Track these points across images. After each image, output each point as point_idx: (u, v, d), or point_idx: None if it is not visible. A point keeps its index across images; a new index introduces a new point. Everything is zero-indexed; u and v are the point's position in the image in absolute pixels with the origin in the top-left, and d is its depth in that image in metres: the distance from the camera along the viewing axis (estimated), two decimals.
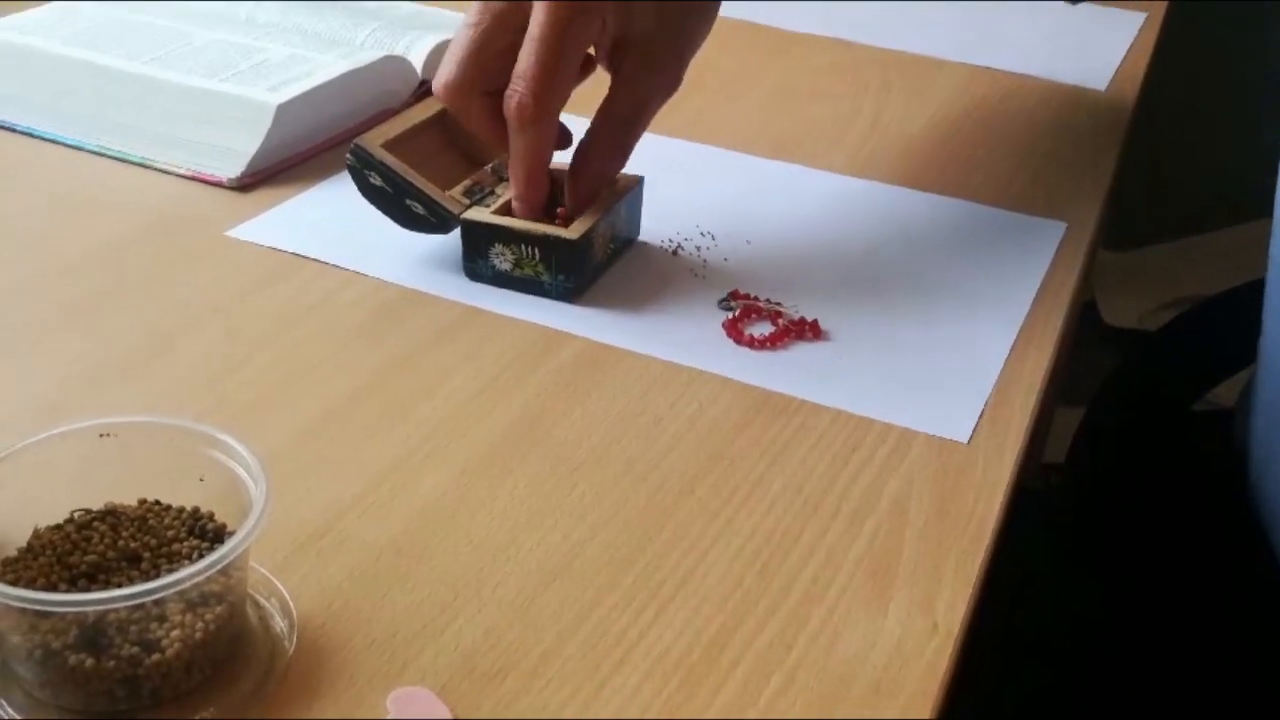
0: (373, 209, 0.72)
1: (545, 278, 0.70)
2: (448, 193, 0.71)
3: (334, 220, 0.77)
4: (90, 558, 0.46)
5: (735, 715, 0.47)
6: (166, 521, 0.48)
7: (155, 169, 0.83)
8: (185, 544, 0.48)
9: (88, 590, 0.45)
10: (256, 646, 0.48)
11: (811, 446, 0.61)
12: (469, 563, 0.52)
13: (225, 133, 0.81)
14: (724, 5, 0.75)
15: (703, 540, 0.55)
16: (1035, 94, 1.04)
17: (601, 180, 0.73)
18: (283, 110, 0.81)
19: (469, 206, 0.71)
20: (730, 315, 0.70)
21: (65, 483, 0.48)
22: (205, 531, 0.48)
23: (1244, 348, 0.78)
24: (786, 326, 0.69)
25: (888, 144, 0.93)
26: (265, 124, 0.81)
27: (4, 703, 0.44)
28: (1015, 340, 0.69)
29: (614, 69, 0.72)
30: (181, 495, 0.49)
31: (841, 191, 0.86)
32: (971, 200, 0.85)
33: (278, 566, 0.51)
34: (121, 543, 0.47)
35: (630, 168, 0.74)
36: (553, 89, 0.67)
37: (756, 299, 0.71)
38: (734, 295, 0.72)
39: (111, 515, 0.48)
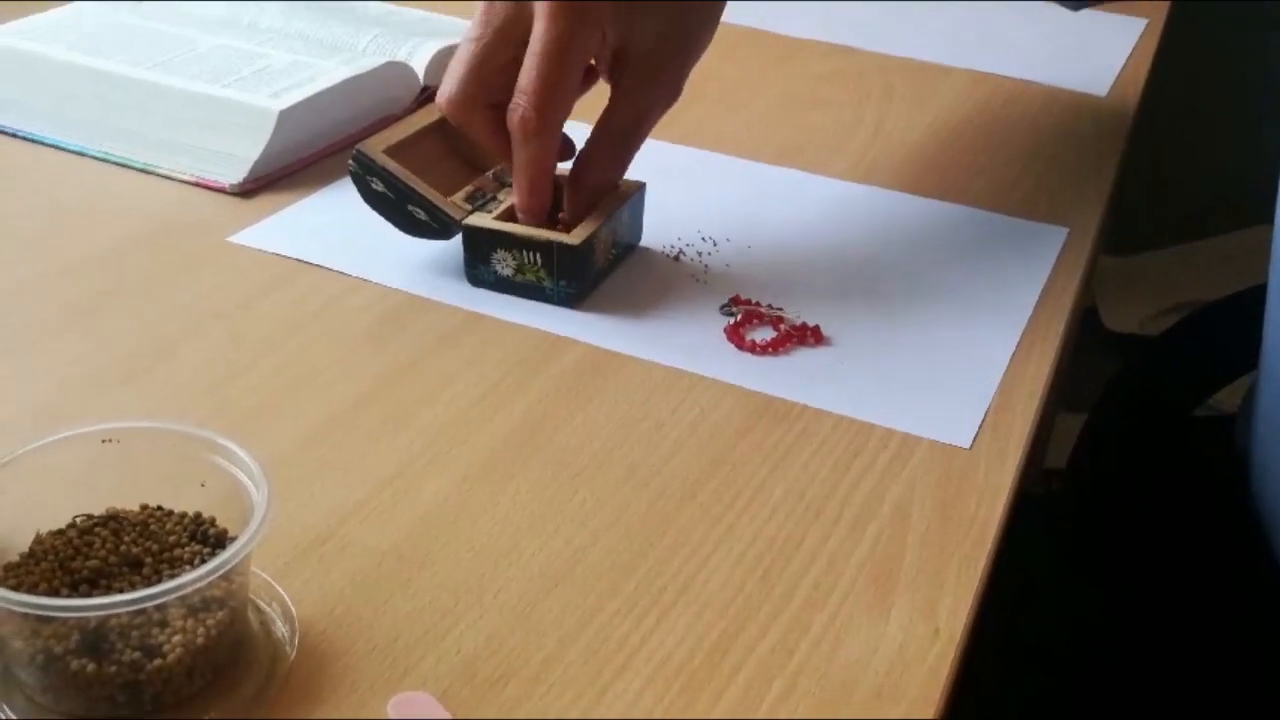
0: (375, 215, 0.72)
1: (547, 283, 0.70)
2: (450, 198, 0.72)
3: (336, 226, 0.77)
4: (92, 563, 0.46)
5: None
6: (168, 527, 0.48)
7: (158, 175, 0.83)
8: (187, 549, 0.48)
9: (89, 595, 0.45)
10: (258, 652, 0.48)
11: (813, 452, 0.61)
12: (471, 568, 0.52)
13: (227, 139, 0.82)
14: (725, 11, 0.75)
15: (704, 546, 0.55)
16: (1037, 100, 1.04)
17: (601, 190, 0.73)
18: (285, 116, 0.81)
19: (471, 212, 0.72)
20: (732, 320, 0.70)
21: (67, 488, 0.49)
22: (207, 537, 0.48)
23: (1245, 353, 0.78)
24: (788, 332, 0.69)
25: (890, 150, 0.93)
26: (267, 130, 0.81)
27: (6, 707, 0.45)
28: (1017, 345, 0.69)
29: (614, 80, 0.72)
30: (183, 501, 0.49)
31: (843, 197, 0.86)
32: (973, 206, 0.85)
33: (279, 572, 0.51)
34: (123, 548, 0.47)
35: (632, 173, 0.74)
36: (555, 103, 0.67)
37: (758, 304, 0.71)
38: (736, 301, 0.72)
39: (113, 520, 0.48)
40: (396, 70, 0.91)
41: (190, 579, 0.43)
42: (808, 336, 0.69)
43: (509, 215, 0.72)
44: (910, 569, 0.54)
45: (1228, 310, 0.90)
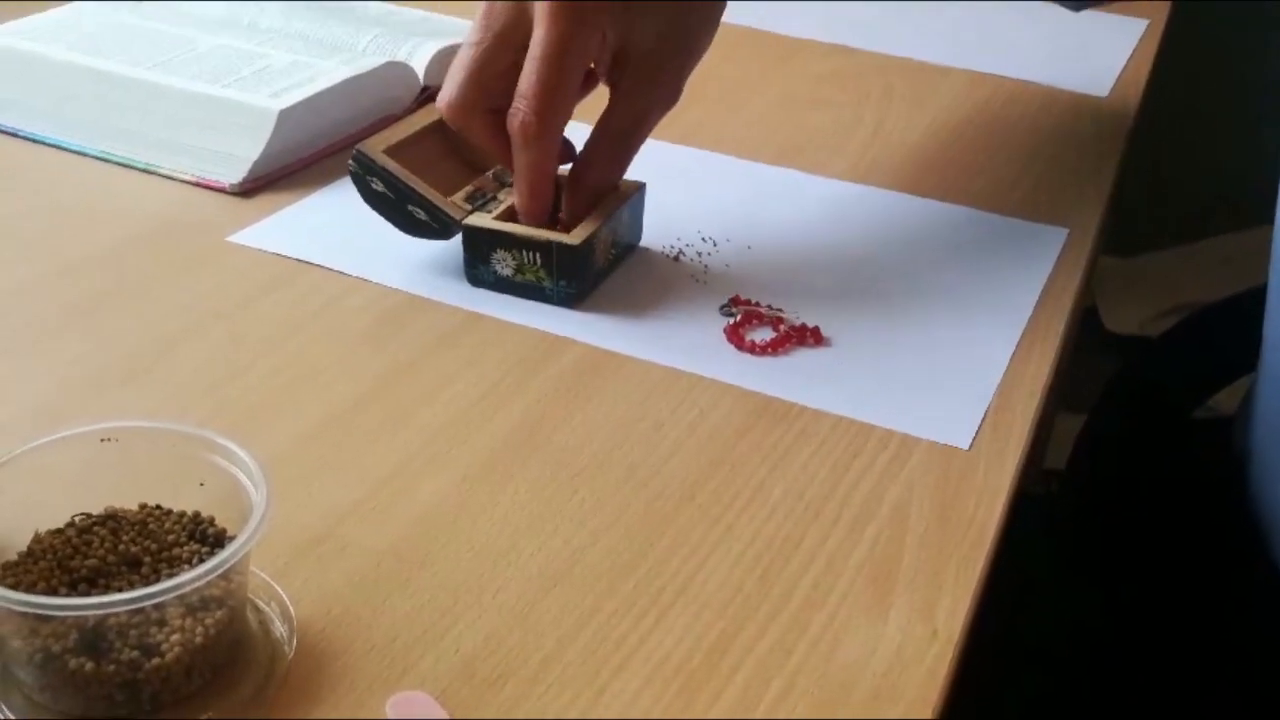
0: (375, 215, 0.72)
1: (547, 283, 0.70)
2: (450, 198, 0.72)
3: (336, 226, 0.77)
4: (91, 562, 0.46)
5: None
6: (167, 526, 0.48)
7: (158, 174, 0.83)
8: (185, 549, 0.48)
9: (88, 594, 0.45)
10: (256, 651, 0.48)
11: (812, 452, 0.61)
12: (469, 568, 0.52)
13: (227, 138, 0.82)
14: (725, 11, 0.75)
15: (703, 546, 0.55)
16: (1037, 100, 1.04)
17: (599, 192, 0.73)
18: (285, 116, 0.81)
19: (471, 212, 0.72)
20: (731, 321, 0.70)
21: (66, 487, 0.49)
22: (206, 536, 0.48)
23: (1245, 355, 0.78)
24: (788, 332, 0.69)
25: (889, 150, 0.93)
26: (267, 130, 0.81)
27: (4, 706, 0.45)
28: (1017, 346, 0.70)
29: (613, 83, 0.72)
30: (182, 500, 0.49)
31: (843, 197, 0.86)
32: (973, 206, 0.85)
33: (278, 571, 0.51)
34: (122, 547, 0.47)
35: (632, 174, 0.74)
36: (555, 107, 0.67)
37: (758, 305, 0.71)
38: (735, 301, 0.72)
39: (112, 520, 0.48)
40: (396, 70, 0.91)
41: (189, 578, 0.43)
42: (807, 337, 0.69)
43: (509, 215, 0.72)
44: (909, 569, 0.54)
45: (1227, 312, 0.90)
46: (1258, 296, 0.73)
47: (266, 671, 0.47)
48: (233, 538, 0.46)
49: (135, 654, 0.43)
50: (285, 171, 0.83)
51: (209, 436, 0.48)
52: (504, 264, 0.71)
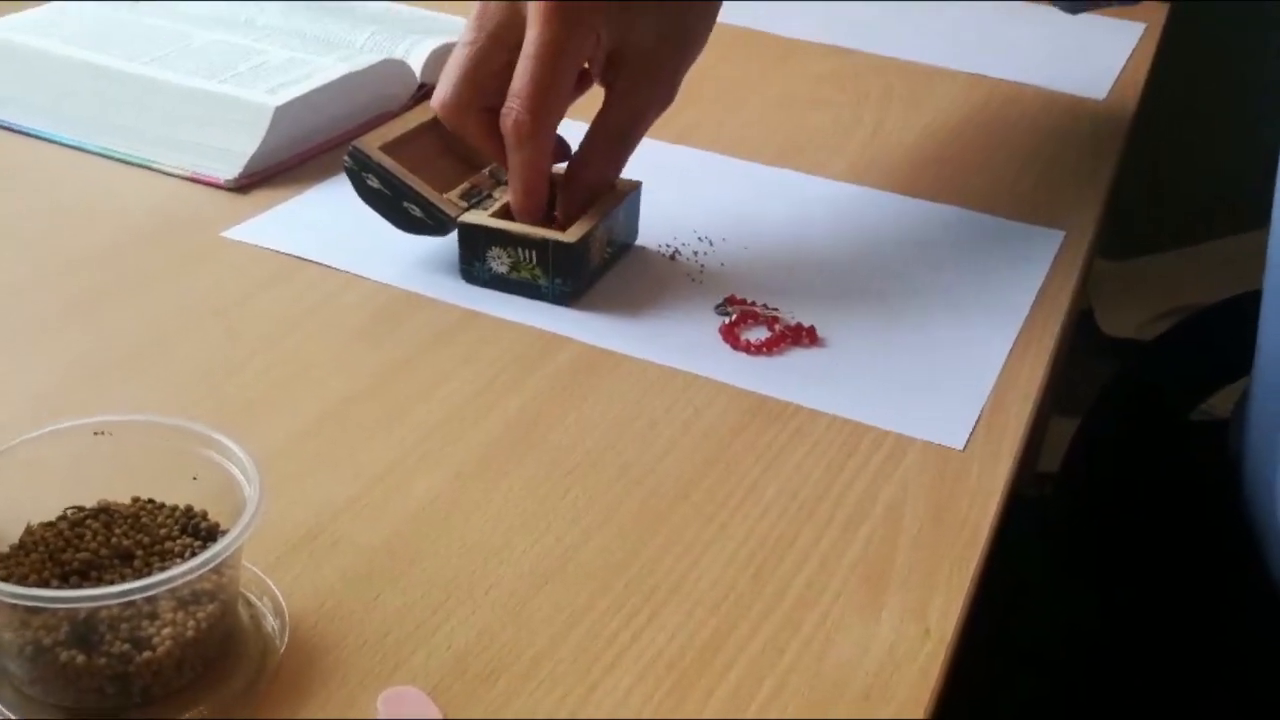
0: (370, 211, 0.72)
1: (542, 281, 0.70)
2: (445, 196, 0.72)
3: (331, 222, 0.77)
4: (83, 555, 0.46)
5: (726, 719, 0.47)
6: (160, 520, 0.48)
7: (154, 170, 0.83)
8: (178, 542, 0.48)
9: (80, 587, 0.45)
10: (248, 645, 0.47)
11: (807, 452, 0.61)
12: (462, 565, 0.52)
13: (224, 134, 0.81)
14: (724, 12, 0.75)
15: (697, 545, 0.55)
16: (1034, 102, 1.04)
17: (595, 192, 0.73)
18: (281, 112, 0.81)
19: (466, 209, 0.72)
20: (727, 320, 0.70)
21: (59, 480, 0.49)
22: (198, 530, 0.48)
23: (1240, 358, 0.78)
24: (783, 332, 0.69)
25: (887, 151, 0.93)
26: (263, 126, 0.81)
27: None
28: (1012, 347, 0.70)
29: (608, 83, 0.72)
30: (175, 494, 0.49)
31: (840, 198, 0.86)
32: (970, 207, 0.85)
33: (270, 566, 0.51)
34: (114, 540, 0.47)
35: (628, 173, 0.74)
36: (548, 106, 0.67)
37: (753, 304, 0.71)
38: (731, 300, 0.72)
39: (105, 513, 0.48)
40: (393, 67, 0.91)
41: (180, 572, 0.43)
42: (802, 337, 0.69)
43: (505, 213, 0.72)
44: (902, 569, 0.54)
45: (1223, 315, 0.90)
46: (1253, 300, 0.74)
47: (258, 666, 0.47)
48: (225, 532, 0.46)
49: (126, 647, 0.43)
50: (281, 167, 0.83)
51: (202, 431, 0.48)
52: (499, 261, 0.71)
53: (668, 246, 0.77)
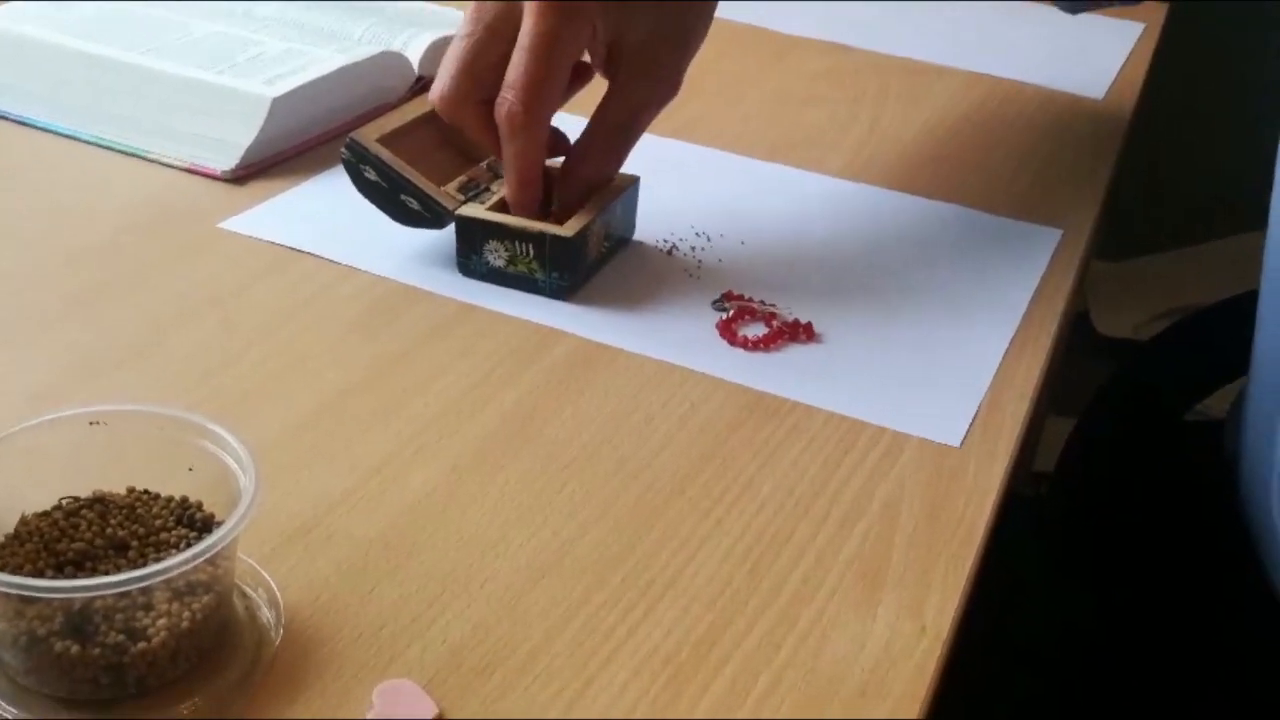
0: (367, 203, 0.72)
1: (539, 275, 0.70)
2: (443, 188, 0.71)
3: (328, 214, 0.77)
4: (78, 545, 0.46)
5: (722, 715, 0.46)
6: (155, 510, 0.48)
7: (150, 160, 0.82)
8: (173, 533, 0.47)
9: (75, 578, 0.45)
10: (243, 637, 0.47)
11: (803, 448, 0.61)
12: (458, 558, 0.52)
13: (221, 125, 0.81)
14: (723, 8, 0.75)
15: (693, 540, 0.54)
16: (1033, 101, 1.04)
17: (592, 186, 0.73)
18: (278, 103, 0.81)
19: (464, 202, 0.71)
20: (724, 316, 0.70)
21: (54, 470, 0.48)
22: (194, 521, 0.48)
23: (1236, 359, 0.78)
24: (780, 328, 0.69)
25: (885, 149, 0.93)
26: (260, 117, 0.80)
27: None
28: (1009, 345, 0.69)
29: (610, 75, 0.72)
30: (171, 485, 0.49)
31: (837, 195, 0.86)
32: (967, 205, 0.85)
33: (266, 558, 0.51)
34: (109, 531, 0.47)
35: (626, 167, 0.74)
36: (541, 97, 0.67)
37: (750, 300, 0.71)
38: (728, 296, 0.72)
39: (100, 503, 0.48)
40: (391, 60, 0.90)
41: (175, 562, 0.42)
42: (799, 333, 0.69)
43: (502, 206, 0.71)
44: (898, 566, 0.54)
45: (1219, 316, 0.91)
46: (1250, 300, 0.74)
47: (253, 657, 0.47)
48: (221, 523, 0.45)
49: (121, 638, 0.43)
50: (278, 159, 0.83)
51: (198, 421, 0.48)
52: (496, 255, 0.70)
53: (665, 242, 0.77)
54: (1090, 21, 1.20)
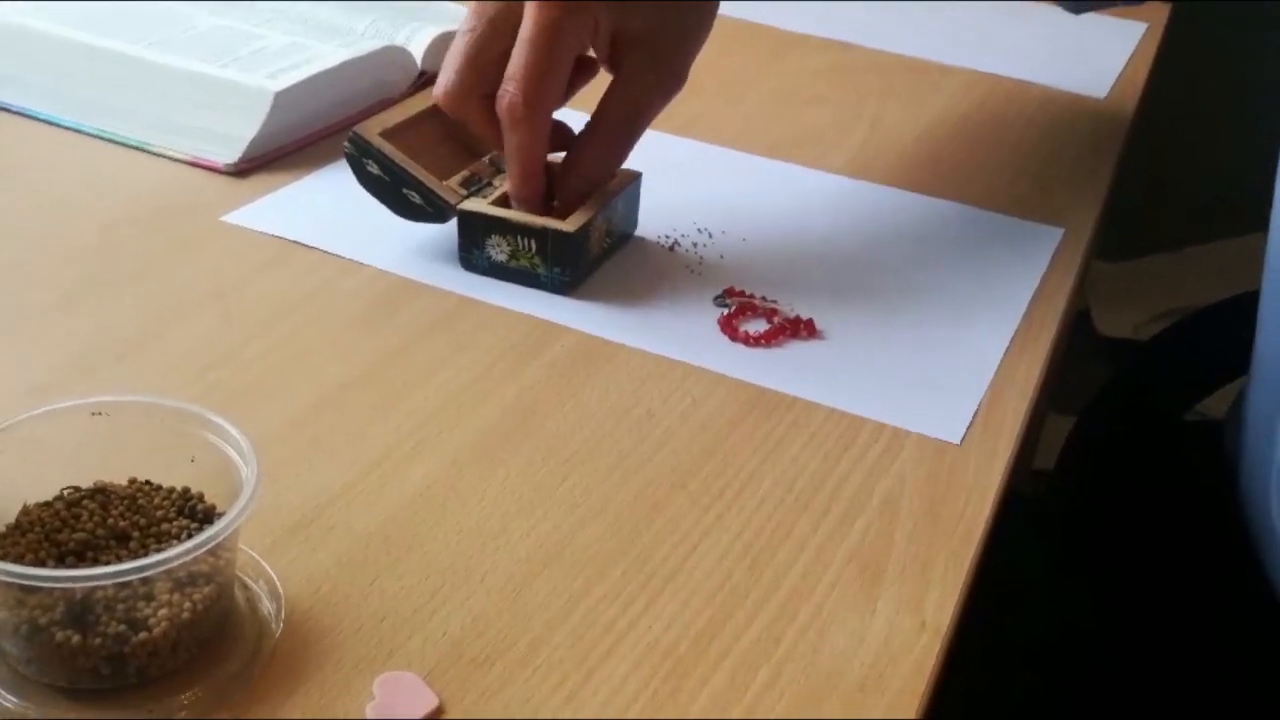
0: (370, 197, 0.72)
1: (541, 270, 0.70)
2: (445, 183, 0.71)
3: (330, 208, 0.77)
4: (79, 535, 0.46)
5: (721, 708, 0.47)
6: (156, 501, 0.48)
7: (153, 153, 0.82)
8: (175, 524, 0.47)
9: (76, 568, 0.45)
10: (244, 628, 0.47)
11: (804, 444, 0.61)
12: (458, 551, 0.52)
13: (224, 118, 0.81)
14: (724, 5, 0.75)
15: (693, 534, 0.55)
16: (1035, 100, 1.04)
17: (593, 181, 0.72)
18: (281, 97, 0.81)
19: (466, 197, 0.71)
20: (725, 312, 0.70)
21: (56, 460, 0.48)
22: (195, 512, 0.48)
23: (1236, 359, 0.78)
24: (781, 324, 0.69)
25: (887, 146, 0.93)
26: (263, 110, 0.81)
27: None
28: (1010, 343, 0.70)
29: (614, 68, 0.72)
30: (172, 476, 0.49)
31: (840, 192, 0.86)
32: (969, 204, 0.85)
33: (267, 550, 0.51)
34: (111, 521, 0.47)
35: (629, 163, 0.74)
36: (542, 89, 0.67)
37: (752, 296, 0.71)
38: (729, 292, 0.72)
39: (101, 494, 0.48)
40: (394, 54, 0.90)
41: (177, 553, 0.42)
42: (801, 329, 0.69)
43: (504, 201, 0.71)
44: (898, 562, 0.54)
45: (1220, 316, 0.91)
46: (1250, 301, 0.74)
47: (253, 648, 0.47)
48: (222, 514, 0.46)
49: (122, 628, 0.43)
50: (281, 152, 0.83)
51: (200, 412, 0.48)
52: (498, 249, 0.71)
53: (667, 238, 0.77)
54: (1093, 21, 1.20)
